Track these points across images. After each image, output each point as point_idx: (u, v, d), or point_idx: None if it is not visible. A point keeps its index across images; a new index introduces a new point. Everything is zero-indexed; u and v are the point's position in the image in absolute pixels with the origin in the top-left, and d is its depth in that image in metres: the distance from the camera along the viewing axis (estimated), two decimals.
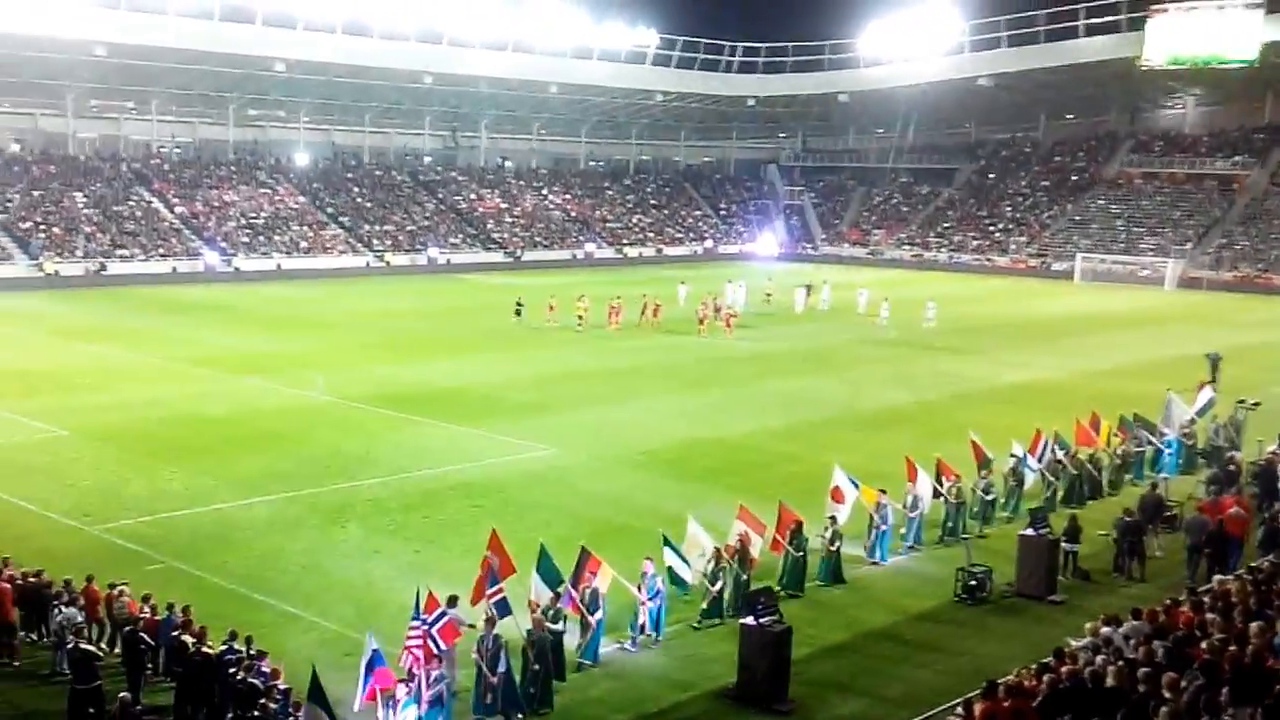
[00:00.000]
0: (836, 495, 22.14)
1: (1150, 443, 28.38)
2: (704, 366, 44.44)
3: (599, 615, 17.60)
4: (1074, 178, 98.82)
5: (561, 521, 24.03)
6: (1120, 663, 13.20)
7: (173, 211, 78.18)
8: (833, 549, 21.09)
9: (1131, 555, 21.71)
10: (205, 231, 76.99)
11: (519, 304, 53.39)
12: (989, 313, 58.01)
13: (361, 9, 78.72)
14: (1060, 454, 26.08)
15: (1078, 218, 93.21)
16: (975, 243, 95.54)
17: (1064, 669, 13.48)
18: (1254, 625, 13.66)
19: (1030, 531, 20.87)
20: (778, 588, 20.00)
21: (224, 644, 15.51)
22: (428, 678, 14.80)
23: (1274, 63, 79.59)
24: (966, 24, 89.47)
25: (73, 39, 67.71)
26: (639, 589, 18.15)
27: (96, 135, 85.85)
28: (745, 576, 19.39)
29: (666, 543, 19.23)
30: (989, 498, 24.18)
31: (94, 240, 71.46)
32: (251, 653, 15.35)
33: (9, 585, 17.66)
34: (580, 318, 52.11)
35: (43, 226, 70.81)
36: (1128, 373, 43.38)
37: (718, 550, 19.33)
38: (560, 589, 17.29)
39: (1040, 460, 25.63)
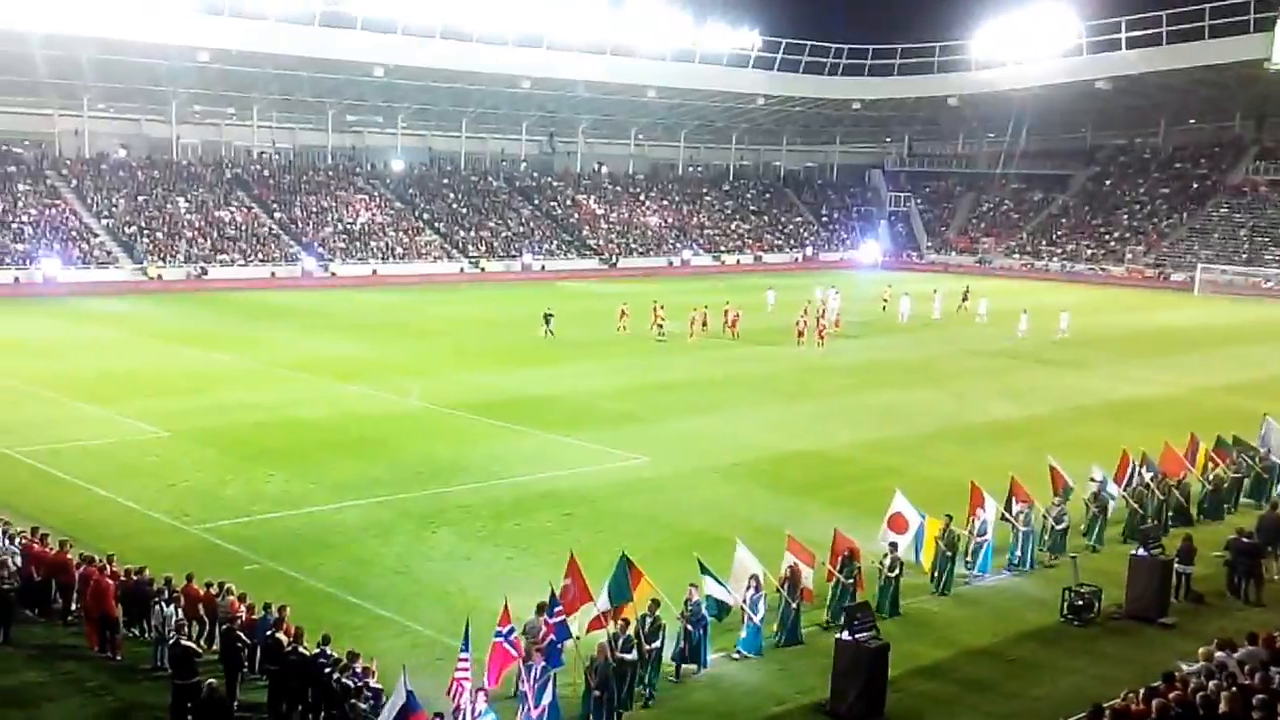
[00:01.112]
0: (897, 523, 21.30)
1: (1250, 467, 27.16)
2: (800, 376, 44.37)
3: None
4: (1195, 185, 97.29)
5: (654, 532, 24.29)
6: (1234, 689, 13.01)
7: (272, 217, 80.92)
8: (892, 575, 20.11)
9: (1247, 578, 21.23)
10: (303, 237, 79.40)
11: (547, 315, 51.57)
12: (1103, 324, 57.12)
13: (461, 13, 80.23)
14: (1149, 477, 25.07)
15: (1198, 227, 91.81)
16: (1089, 251, 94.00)
17: (1173, 694, 13.29)
18: None
19: (1142, 552, 20.58)
20: (825, 619, 19.59)
21: (318, 645, 16.03)
22: (531, 678, 15.23)
23: None
24: (1084, 25, 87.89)
25: (177, 45, 70.72)
26: (680, 616, 17.76)
27: (199, 141, 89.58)
28: (795, 606, 18.95)
29: (704, 569, 18.65)
30: (1060, 526, 23.01)
31: (195, 245, 74.41)
32: (343, 653, 15.81)
33: (112, 582, 18.54)
34: (660, 326, 52.09)
35: (146, 231, 74.03)
36: (1250, 389, 42.36)
37: (755, 578, 18.64)
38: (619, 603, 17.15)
39: (1127, 485, 24.69)
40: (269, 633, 16.62)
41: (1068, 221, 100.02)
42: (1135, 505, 24.43)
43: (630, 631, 16.77)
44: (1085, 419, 37.14)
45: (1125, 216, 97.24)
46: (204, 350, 46.77)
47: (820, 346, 50.35)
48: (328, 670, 15.51)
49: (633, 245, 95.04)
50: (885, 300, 64.44)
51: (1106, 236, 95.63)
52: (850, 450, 32.35)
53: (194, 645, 16.72)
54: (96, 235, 72.20)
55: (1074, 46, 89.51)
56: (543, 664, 15.46)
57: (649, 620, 17.19)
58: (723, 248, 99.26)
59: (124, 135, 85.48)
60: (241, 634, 16.87)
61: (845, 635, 16.66)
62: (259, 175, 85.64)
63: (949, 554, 21.37)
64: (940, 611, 20.72)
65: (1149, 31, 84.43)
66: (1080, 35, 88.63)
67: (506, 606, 15.73)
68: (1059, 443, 30.76)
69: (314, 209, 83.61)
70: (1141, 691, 13.88)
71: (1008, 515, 22.72)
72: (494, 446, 31.88)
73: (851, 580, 19.74)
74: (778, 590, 18.93)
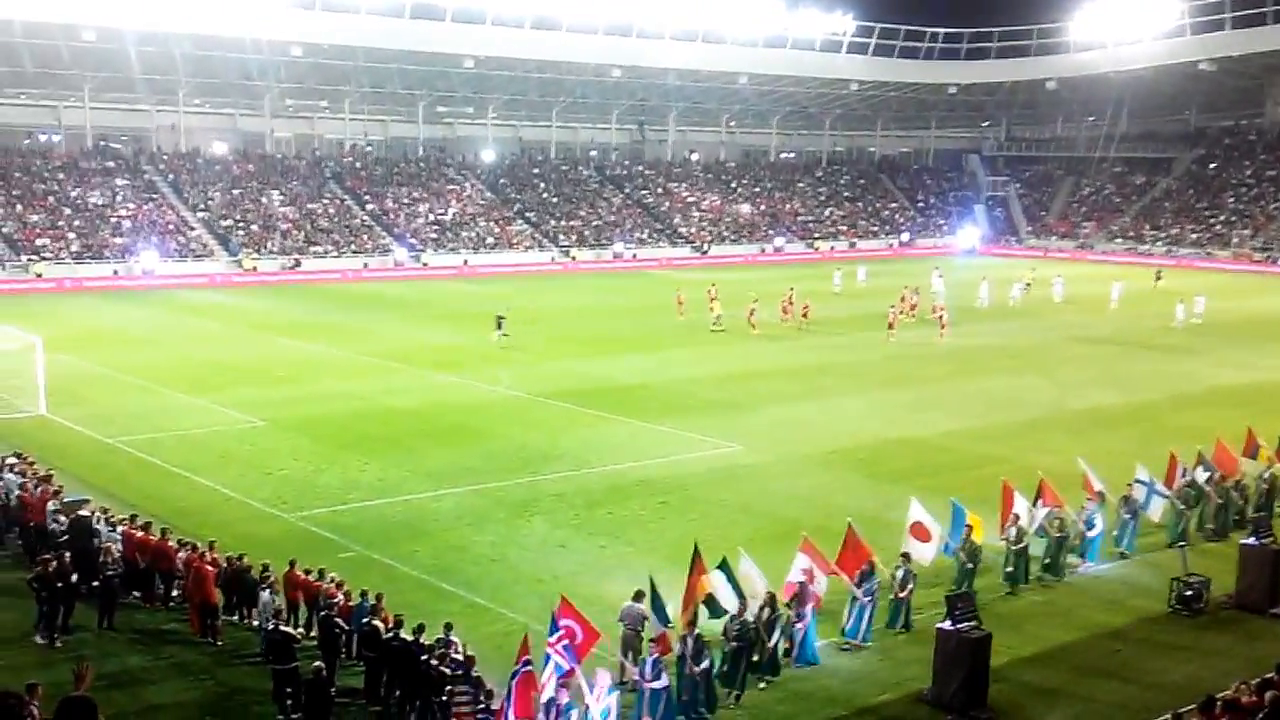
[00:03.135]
0: (918, 532, 20.17)
1: None
2: (897, 364, 43.93)
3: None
4: None
5: (748, 520, 24.28)
6: None
7: (364, 209, 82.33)
8: (902, 595, 18.89)
9: None
10: (395, 228, 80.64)
11: (500, 318, 46.98)
12: (1209, 309, 55.46)
13: (550, 3, 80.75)
14: (1204, 478, 23.78)
15: None
16: (1194, 235, 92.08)
17: None
18: None
19: (1253, 540, 20.30)
20: (844, 637, 18.51)
21: (413, 632, 16.15)
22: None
23: None
24: (1186, 4, 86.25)
25: (270, 40, 72.54)
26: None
27: (292, 134, 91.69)
28: (796, 619, 17.60)
29: (722, 565, 17.54)
30: (1091, 532, 21.96)
31: (289, 237, 76.16)
32: (445, 640, 15.97)
33: (213, 568, 18.93)
34: (718, 316, 50.97)
35: (241, 224, 75.98)
36: None
37: (771, 595, 17.53)
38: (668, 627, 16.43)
39: (1182, 484, 23.48)
40: (366, 619, 16.82)
41: (1171, 205, 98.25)
42: (1183, 507, 23.36)
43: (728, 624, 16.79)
44: (1191, 405, 36.61)
45: (1231, 200, 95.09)
46: (298, 340, 47.80)
47: (941, 337, 48.78)
48: (424, 657, 15.62)
49: (724, 233, 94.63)
50: (1030, 283, 64.30)
51: (1212, 220, 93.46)
52: (949, 439, 32.14)
53: (292, 631, 16.97)
54: (193, 229, 74.48)
55: (1176, 27, 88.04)
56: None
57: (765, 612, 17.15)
58: (816, 235, 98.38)
59: (219, 130, 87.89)
60: (339, 620, 17.08)
61: (947, 624, 16.50)
62: (351, 167, 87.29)
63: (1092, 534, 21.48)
64: (1043, 600, 20.47)
65: (1253, 11, 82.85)
66: (1183, 15, 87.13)
67: (526, 639, 15.08)
68: (1164, 429, 30.50)
69: (405, 200, 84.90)
70: (1254, 683, 13.67)
71: (1016, 521, 21.28)
72: (586, 434, 32.02)
73: (870, 599, 18.52)
74: (786, 605, 17.65)
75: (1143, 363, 44.87)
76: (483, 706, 14.50)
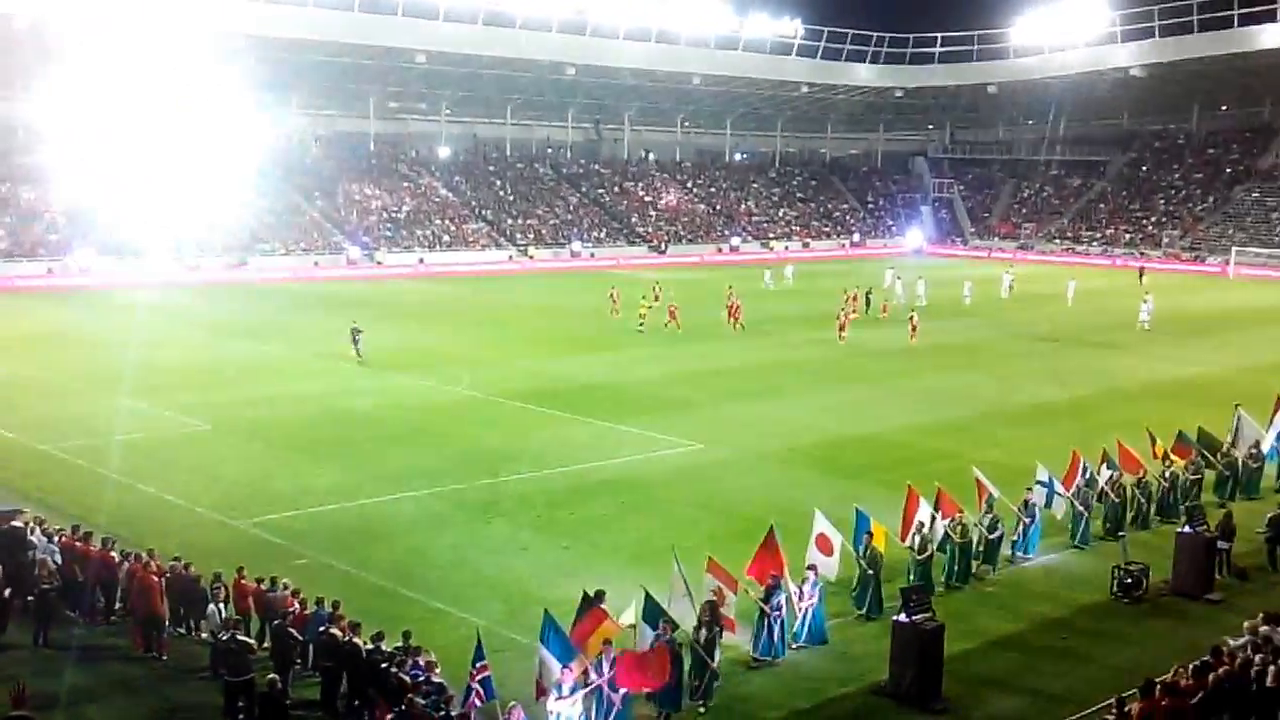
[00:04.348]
0: (823, 544, 19.52)
1: (1211, 465, 26.02)
2: (852, 362, 44.61)
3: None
4: (1228, 170, 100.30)
5: (709, 519, 24.38)
6: (1279, 661, 13.51)
7: (314, 206, 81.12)
8: (809, 605, 18.29)
9: None
10: (347, 226, 79.69)
11: (355, 331, 42.65)
12: (1129, 307, 57.01)
13: None
14: (1107, 477, 23.79)
15: (1231, 211, 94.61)
16: (1128, 236, 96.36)
17: (1222, 668, 13.77)
18: None
19: (1187, 529, 21.15)
20: (753, 656, 17.71)
21: (372, 640, 15.71)
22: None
23: None
24: (1117, 13, 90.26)
25: (214, 31, 70.83)
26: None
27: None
28: (705, 638, 16.48)
29: (647, 598, 16.37)
30: (994, 535, 21.60)
31: (233, 235, 74.62)
32: (404, 647, 15.55)
33: (158, 578, 18.29)
34: (642, 317, 50.27)
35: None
36: None
37: (711, 608, 16.77)
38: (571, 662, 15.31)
39: (1084, 484, 23.38)
40: (323, 628, 16.33)
41: (1106, 207, 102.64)
42: (1081, 508, 23.32)
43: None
44: (1128, 399, 37.76)
45: (1162, 201, 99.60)
46: (246, 341, 46.90)
47: (912, 340, 48.65)
48: (384, 665, 15.17)
49: (681, 232, 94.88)
50: (1012, 282, 67.31)
51: (1144, 221, 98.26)
52: (903, 434, 32.65)
53: (249, 640, 16.42)
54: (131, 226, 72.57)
55: (1108, 34, 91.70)
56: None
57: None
58: (771, 235, 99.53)
59: None
60: (293, 630, 16.58)
61: (902, 616, 16.77)
62: (300, 163, 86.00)
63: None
64: (994, 592, 20.89)
65: (1181, 19, 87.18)
66: (1114, 23, 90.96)
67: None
68: (1104, 423, 31.10)
69: (357, 197, 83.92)
70: (1191, 666, 14.21)
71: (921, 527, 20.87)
72: (547, 435, 31.75)
73: (778, 612, 17.79)
74: (697, 624, 16.59)
75: (1081, 358, 46.30)
76: (443, 715, 14.08)
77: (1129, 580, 20.42)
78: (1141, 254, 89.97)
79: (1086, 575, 21.57)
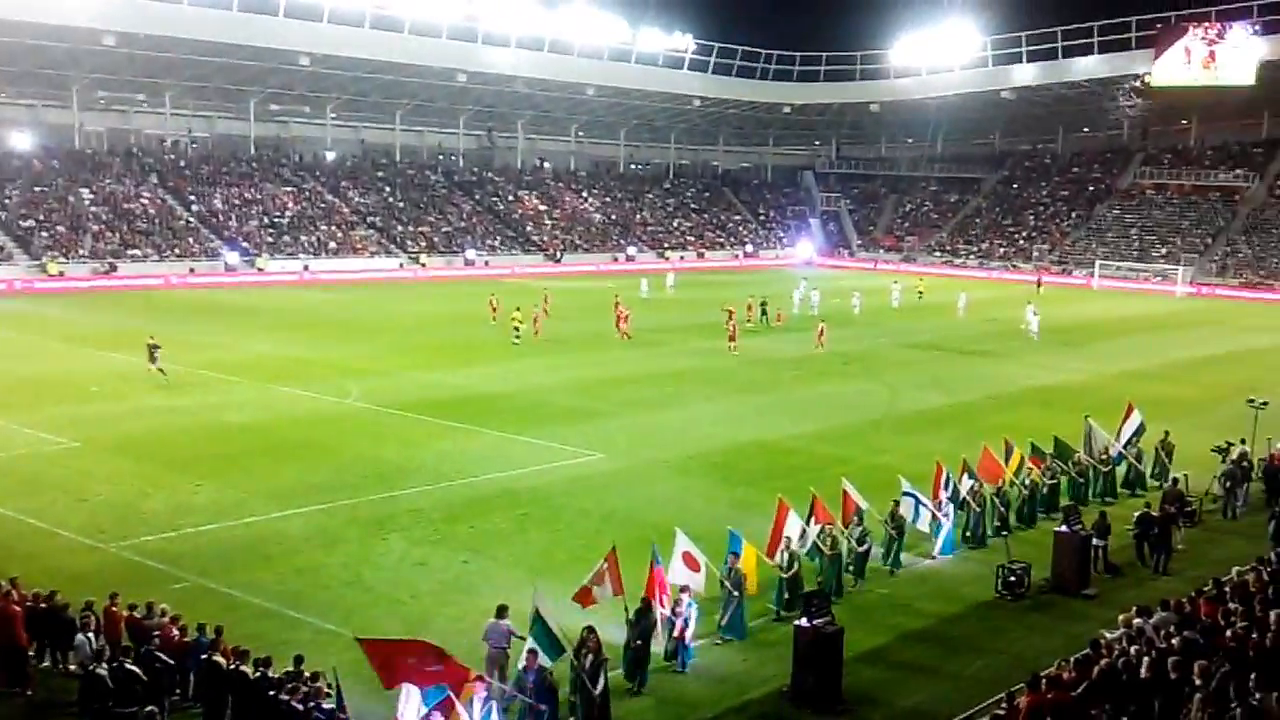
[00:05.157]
0: (689, 561, 19.13)
1: (1064, 471, 27.04)
2: (746, 370, 45.03)
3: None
4: (1090, 189, 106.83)
5: (611, 529, 23.98)
6: (1152, 652, 14.31)
7: (189, 209, 78.58)
8: (682, 630, 17.82)
9: (1157, 549, 23.11)
10: (225, 231, 77.33)
11: (152, 346, 39.59)
12: (1016, 317, 59.77)
13: (392, 2, 79.00)
14: (968, 486, 24.25)
15: (1094, 227, 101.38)
16: (1001, 249, 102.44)
17: (1102, 660, 14.53)
18: (1273, 613, 14.78)
19: (1064, 528, 22.10)
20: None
21: (259, 666, 14.97)
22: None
23: (1270, 81, 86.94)
24: (988, 38, 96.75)
25: (80, 27, 68.10)
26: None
27: (104, 129, 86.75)
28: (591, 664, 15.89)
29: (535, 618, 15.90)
30: (863, 548, 21.65)
31: (102, 239, 71.86)
32: (295, 673, 14.81)
33: (20, 609, 17.09)
34: (517, 328, 49.45)
35: (46, 224, 71.31)
36: (1149, 375, 46.16)
37: (593, 638, 16.09)
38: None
39: (948, 494, 23.77)
40: (204, 655, 15.49)
41: (981, 221, 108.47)
42: (943, 518, 23.39)
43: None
44: (1007, 405, 39.20)
45: (1031, 217, 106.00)
46: (116, 352, 44.61)
47: (820, 348, 49.29)
48: (271, 692, 14.38)
49: (577, 241, 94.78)
50: (920, 291, 71.72)
51: (1016, 236, 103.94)
52: (797, 441, 33.17)
53: (135, 670, 15.34)
54: None
55: (980, 58, 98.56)
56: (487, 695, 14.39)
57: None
58: (666, 245, 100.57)
59: (18, 122, 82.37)
60: (163, 655, 15.67)
61: (803, 621, 17.12)
62: (173, 165, 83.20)
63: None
64: (888, 592, 21.38)
65: (1046, 46, 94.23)
66: (985, 48, 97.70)
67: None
68: (986, 428, 31.95)
69: (236, 201, 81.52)
70: (1073, 659, 14.95)
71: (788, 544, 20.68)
72: (444, 447, 31.09)
73: (641, 642, 17.26)
74: (578, 649, 16.00)
75: (963, 366, 47.84)
76: None
77: (1012, 578, 21.25)
78: (1041, 266, 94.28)
79: (973, 576, 22.29)
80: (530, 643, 15.59)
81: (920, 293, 71.89)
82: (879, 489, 23.31)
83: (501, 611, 16.48)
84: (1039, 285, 78.55)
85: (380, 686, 14.20)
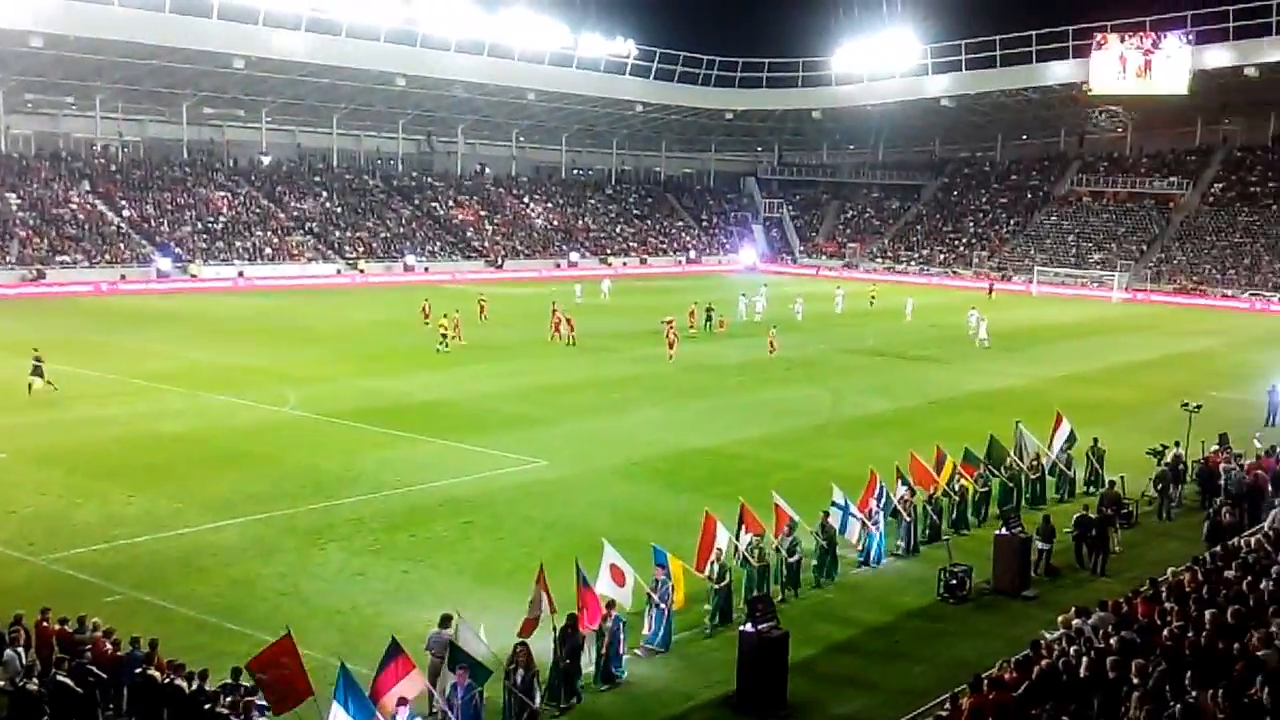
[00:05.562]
0: (615, 575, 18.79)
1: (995, 476, 27.44)
2: (689, 376, 45.14)
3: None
4: (1029, 195, 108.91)
5: (555, 537, 24.13)
6: (1091, 652, 14.57)
7: (120, 215, 77.27)
8: (608, 644, 17.63)
9: (1095, 550, 23.55)
10: (157, 236, 76.13)
11: (37, 362, 37.81)
12: (957, 323, 60.70)
13: (329, 5, 78.15)
14: (900, 495, 24.36)
15: (1032, 233, 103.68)
16: (942, 255, 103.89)
17: (1043, 660, 14.81)
18: (1208, 613, 15.23)
19: (1004, 531, 22.49)
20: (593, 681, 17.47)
21: (195, 679, 14.79)
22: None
23: (1203, 90, 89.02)
24: (928, 46, 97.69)
25: (7, 29, 66.63)
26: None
27: (31, 132, 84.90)
28: (522, 680, 15.83)
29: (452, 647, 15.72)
30: (793, 559, 21.48)
31: (30, 245, 70.45)
32: (232, 685, 14.74)
33: None
34: (444, 335, 48.97)
35: None
36: (1086, 379, 47.13)
37: (523, 652, 16.06)
38: None
39: (880, 504, 23.79)
40: (139, 669, 15.26)
41: (922, 228, 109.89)
42: (873, 529, 23.44)
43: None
44: (949, 410, 39.61)
45: (971, 224, 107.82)
46: (45, 362, 43.89)
47: (772, 354, 49.52)
48: (208, 706, 14.23)
49: (519, 248, 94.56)
50: (873, 296, 73.33)
51: (956, 242, 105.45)
52: (742, 446, 33.29)
53: (68, 683, 15.07)
54: None
55: (920, 66, 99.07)
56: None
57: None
58: (609, 251, 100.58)
59: None
60: (94, 669, 15.42)
61: (748, 626, 17.23)
62: (104, 170, 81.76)
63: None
64: (831, 596, 21.57)
65: (984, 54, 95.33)
66: (925, 55, 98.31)
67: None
68: (928, 432, 32.16)
69: (169, 206, 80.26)
70: (1014, 660, 15.21)
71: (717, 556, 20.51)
72: (383, 455, 30.82)
73: (570, 660, 17.11)
74: (511, 666, 15.91)
75: (905, 371, 48.50)
76: None
77: (954, 581, 21.59)
78: (990, 273, 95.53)
79: (908, 583, 22.61)
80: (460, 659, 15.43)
81: (873, 298, 73.11)
82: (824, 494, 23.39)
83: (445, 621, 16.34)
84: (990, 292, 79.84)
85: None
